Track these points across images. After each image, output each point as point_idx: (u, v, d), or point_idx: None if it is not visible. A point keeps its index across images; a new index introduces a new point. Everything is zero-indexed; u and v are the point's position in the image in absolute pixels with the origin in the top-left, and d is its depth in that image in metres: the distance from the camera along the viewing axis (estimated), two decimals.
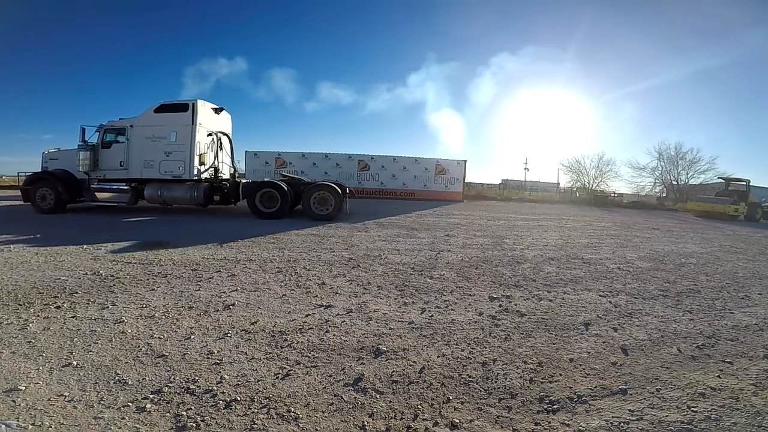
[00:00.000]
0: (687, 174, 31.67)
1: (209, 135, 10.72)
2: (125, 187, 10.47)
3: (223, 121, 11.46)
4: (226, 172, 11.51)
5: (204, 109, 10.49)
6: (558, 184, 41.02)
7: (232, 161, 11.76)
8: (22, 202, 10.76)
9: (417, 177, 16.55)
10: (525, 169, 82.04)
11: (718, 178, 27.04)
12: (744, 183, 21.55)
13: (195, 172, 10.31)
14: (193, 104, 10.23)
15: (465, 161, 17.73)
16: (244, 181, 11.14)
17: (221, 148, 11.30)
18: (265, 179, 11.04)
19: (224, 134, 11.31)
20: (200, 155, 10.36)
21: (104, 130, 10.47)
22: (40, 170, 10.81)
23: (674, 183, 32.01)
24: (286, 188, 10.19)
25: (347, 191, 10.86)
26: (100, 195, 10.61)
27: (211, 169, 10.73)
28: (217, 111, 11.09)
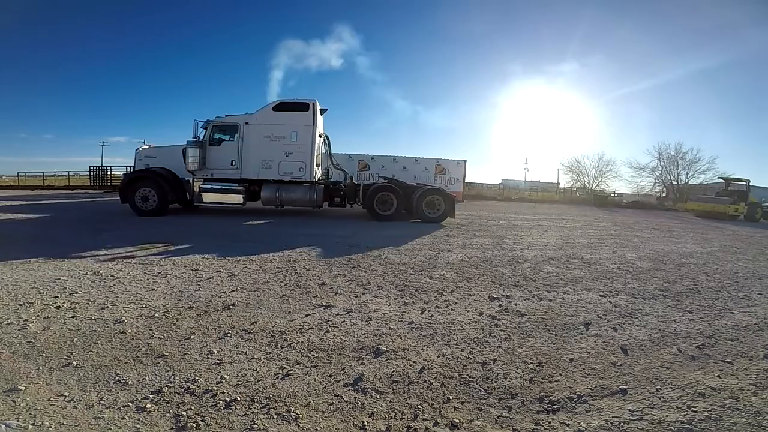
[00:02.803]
0: (687, 174, 31.75)
1: (320, 136, 10.53)
2: (239, 188, 9.90)
3: (322, 122, 11.23)
4: (334, 174, 11.38)
5: (318, 109, 10.22)
6: (558, 184, 41.02)
7: (332, 162, 11.50)
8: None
9: (417, 177, 16.52)
10: (525, 169, 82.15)
11: (718, 178, 27.09)
12: (744, 183, 21.56)
13: (314, 174, 10.15)
14: (313, 104, 9.99)
15: (465, 161, 17.67)
16: (364, 183, 11.04)
17: (327, 150, 11.14)
18: (382, 183, 10.90)
19: (327, 135, 11.17)
20: (316, 156, 10.18)
21: (212, 126, 9.94)
22: (140, 168, 10.04)
23: (674, 183, 32.04)
24: (401, 192, 10.31)
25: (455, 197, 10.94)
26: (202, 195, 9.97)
27: (323, 170, 10.60)
28: (322, 111, 10.88)
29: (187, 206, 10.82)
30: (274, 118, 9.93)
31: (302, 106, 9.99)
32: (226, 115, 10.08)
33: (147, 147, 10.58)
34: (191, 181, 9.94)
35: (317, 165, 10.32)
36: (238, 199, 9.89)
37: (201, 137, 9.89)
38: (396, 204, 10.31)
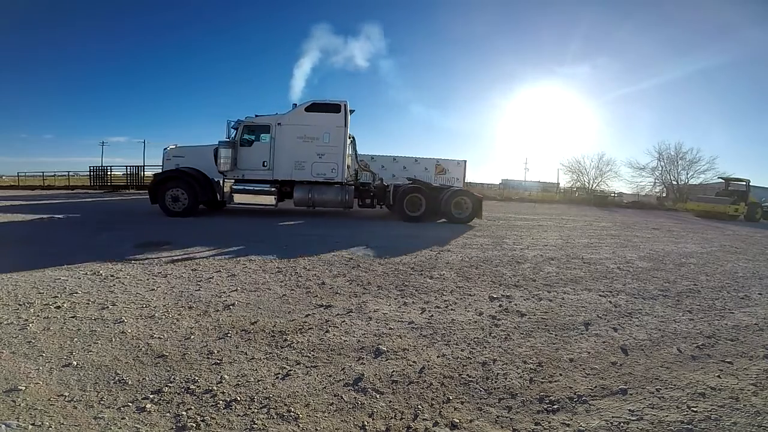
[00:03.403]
0: (687, 174, 31.71)
1: (349, 137, 10.54)
2: (272, 189, 9.85)
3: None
4: (363, 176, 11.44)
5: (348, 110, 10.19)
6: (558, 184, 41.01)
7: (358, 163, 11.56)
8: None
9: (417, 177, 16.55)
10: (525, 169, 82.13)
11: (718, 178, 27.07)
12: (744, 183, 21.55)
13: (345, 175, 10.17)
14: (344, 105, 9.97)
15: (465, 161, 17.67)
16: (394, 185, 11.09)
17: (353, 151, 11.16)
18: (412, 185, 10.91)
19: (353, 136, 11.19)
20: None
21: (243, 126, 9.83)
22: (170, 168, 9.89)
23: (674, 183, 32.01)
24: (429, 193, 10.42)
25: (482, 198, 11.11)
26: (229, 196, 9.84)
27: (352, 171, 10.61)
28: (350, 113, 10.86)
29: (213, 207, 10.71)
30: (306, 118, 9.91)
31: (334, 108, 9.99)
32: (256, 115, 10.02)
33: (174, 147, 10.46)
34: (222, 182, 9.85)
35: (348, 166, 10.37)
36: (270, 200, 9.87)
37: (231, 137, 9.81)
38: (425, 205, 10.40)
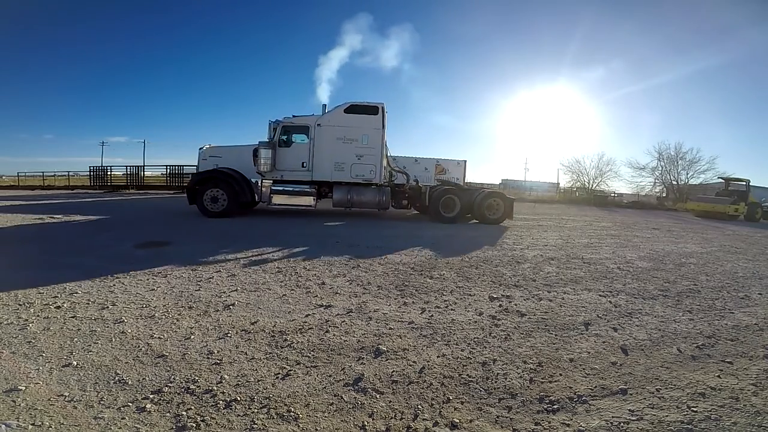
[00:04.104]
0: (687, 174, 31.69)
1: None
2: (311, 190, 9.85)
3: None
4: (398, 177, 11.52)
5: (386, 112, 10.24)
6: (558, 184, 41.00)
7: (392, 165, 11.57)
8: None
9: (417, 177, 16.55)
10: (525, 169, 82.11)
11: (718, 178, 27.06)
12: (744, 183, 21.54)
13: (383, 177, 10.25)
14: (382, 107, 10.02)
15: (465, 161, 17.67)
16: (430, 187, 11.16)
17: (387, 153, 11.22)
18: (447, 187, 11.00)
19: None
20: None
21: (282, 127, 9.81)
22: (209, 169, 9.80)
23: (674, 183, 31.99)
24: (463, 195, 10.57)
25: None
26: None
27: (386, 173, 10.68)
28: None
29: (247, 208, 10.66)
30: (345, 120, 9.95)
31: (372, 109, 10.06)
32: (294, 116, 10.03)
33: (209, 146, 10.38)
34: (260, 182, 9.80)
35: (384, 168, 10.47)
36: (309, 201, 9.85)
37: (270, 138, 9.81)
38: (459, 207, 10.53)
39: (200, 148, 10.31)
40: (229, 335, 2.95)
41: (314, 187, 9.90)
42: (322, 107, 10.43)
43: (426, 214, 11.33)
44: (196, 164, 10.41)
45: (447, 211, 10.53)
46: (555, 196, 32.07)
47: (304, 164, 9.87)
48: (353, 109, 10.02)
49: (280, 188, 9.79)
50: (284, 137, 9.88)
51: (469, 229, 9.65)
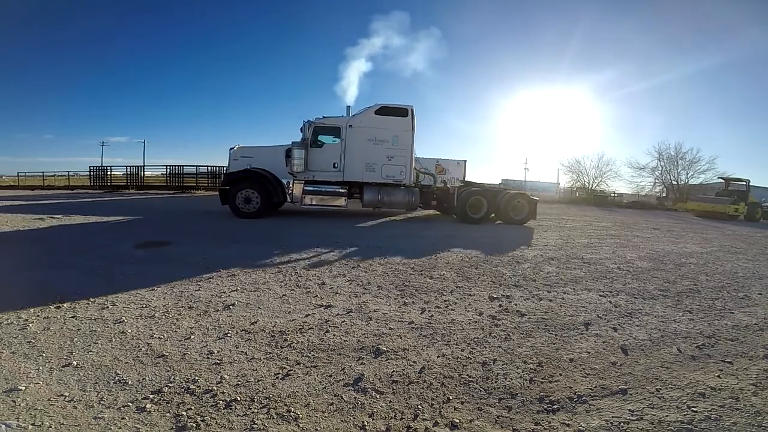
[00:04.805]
0: (687, 174, 31.63)
1: None
2: (343, 190, 9.94)
3: None
4: (424, 179, 11.66)
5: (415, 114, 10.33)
6: (558, 184, 40.99)
7: (417, 167, 11.63)
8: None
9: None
10: (525, 168, 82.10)
11: (718, 178, 27.04)
12: (744, 183, 21.53)
13: (412, 177, 10.37)
14: (411, 110, 10.13)
15: (465, 161, 17.72)
16: (458, 188, 11.24)
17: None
18: (474, 188, 11.11)
19: None
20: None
21: (314, 127, 9.85)
22: (241, 169, 9.77)
23: (674, 183, 31.96)
24: (489, 196, 10.66)
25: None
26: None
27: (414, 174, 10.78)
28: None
29: (275, 209, 10.67)
30: (376, 121, 10.04)
31: (402, 111, 10.15)
32: (324, 117, 10.08)
33: (240, 147, 10.38)
34: (291, 183, 9.84)
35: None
36: (341, 201, 9.94)
37: (302, 138, 9.86)
38: (486, 208, 10.63)
39: (231, 148, 10.34)
40: (229, 335, 2.95)
41: (346, 188, 10.02)
42: (346, 108, 10.56)
43: (449, 214, 11.54)
44: (226, 165, 10.41)
45: (474, 212, 10.62)
46: (555, 196, 32.07)
47: (335, 165, 9.93)
48: (383, 110, 10.12)
49: (313, 189, 9.84)
50: (315, 138, 9.92)
51: (470, 229, 9.65)
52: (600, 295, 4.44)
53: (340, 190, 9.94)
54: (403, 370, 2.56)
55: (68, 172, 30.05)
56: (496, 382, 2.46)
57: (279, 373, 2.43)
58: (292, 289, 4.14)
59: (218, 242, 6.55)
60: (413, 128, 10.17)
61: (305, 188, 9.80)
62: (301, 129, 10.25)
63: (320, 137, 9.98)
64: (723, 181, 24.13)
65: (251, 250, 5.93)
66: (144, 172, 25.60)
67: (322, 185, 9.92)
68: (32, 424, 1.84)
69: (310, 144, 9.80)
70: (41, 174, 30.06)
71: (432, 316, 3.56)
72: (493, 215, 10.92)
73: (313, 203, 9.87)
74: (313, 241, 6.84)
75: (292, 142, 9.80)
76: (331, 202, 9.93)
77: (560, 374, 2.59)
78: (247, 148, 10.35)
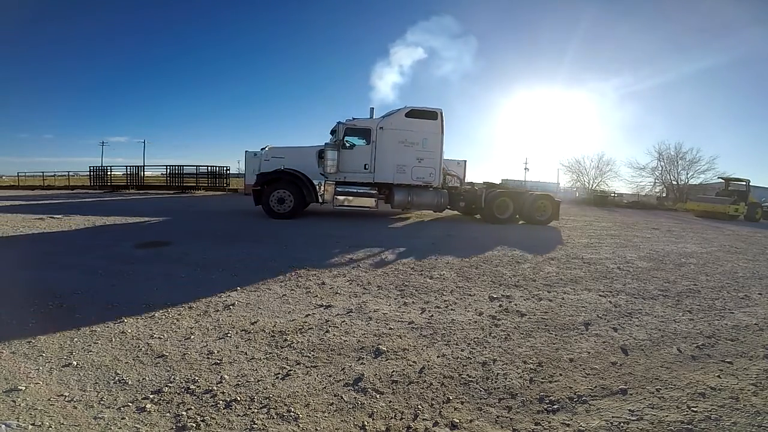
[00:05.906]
0: (687, 174, 31.65)
1: None
2: (374, 192, 10.04)
3: None
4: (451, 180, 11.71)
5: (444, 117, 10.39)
6: (558, 183, 40.98)
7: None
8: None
9: None
10: (525, 168, 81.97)
11: (718, 178, 27.04)
12: (744, 183, 21.53)
13: (441, 179, 10.48)
14: (440, 113, 10.23)
15: (465, 161, 17.68)
16: (486, 189, 11.31)
17: None
18: (501, 190, 11.21)
19: None
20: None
21: (345, 129, 9.92)
22: (273, 170, 9.79)
23: (674, 183, 31.97)
24: (515, 197, 10.84)
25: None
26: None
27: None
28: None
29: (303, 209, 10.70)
30: (406, 124, 10.12)
31: (432, 114, 10.25)
32: (354, 118, 10.14)
33: (271, 147, 10.38)
34: (322, 184, 9.87)
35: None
36: (371, 202, 10.04)
37: (333, 140, 9.92)
38: (512, 209, 10.82)
39: (262, 149, 10.41)
40: (229, 335, 2.95)
41: (376, 189, 10.13)
42: (370, 110, 10.59)
43: (471, 215, 11.83)
44: (258, 166, 10.38)
45: (501, 213, 10.84)
46: (556, 197, 32.02)
47: (366, 166, 10.02)
48: (413, 113, 10.21)
49: (346, 190, 9.93)
50: (346, 139, 9.99)
51: (471, 229, 9.65)
52: (600, 295, 4.44)
53: (372, 192, 10.06)
54: (403, 370, 2.56)
55: (68, 172, 30.14)
56: (496, 382, 2.46)
57: (279, 373, 2.43)
58: (292, 289, 4.14)
59: (219, 242, 6.54)
60: (442, 131, 10.28)
61: (337, 189, 9.88)
62: (332, 131, 10.31)
63: (350, 138, 10.06)
64: (723, 181, 24.12)
65: (253, 247, 5.92)
66: (144, 172, 25.62)
67: (352, 186, 10.02)
68: (32, 424, 1.84)
69: (342, 145, 9.88)
70: (41, 174, 30.10)
71: (432, 316, 3.56)
72: (517, 216, 11.06)
73: (345, 204, 9.99)
74: (313, 240, 6.84)
75: (325, 144, 9.90)
76: (362, 203, 10.02)
77: (560, 374, 2.59)
78: (278, 148, 10.38)
